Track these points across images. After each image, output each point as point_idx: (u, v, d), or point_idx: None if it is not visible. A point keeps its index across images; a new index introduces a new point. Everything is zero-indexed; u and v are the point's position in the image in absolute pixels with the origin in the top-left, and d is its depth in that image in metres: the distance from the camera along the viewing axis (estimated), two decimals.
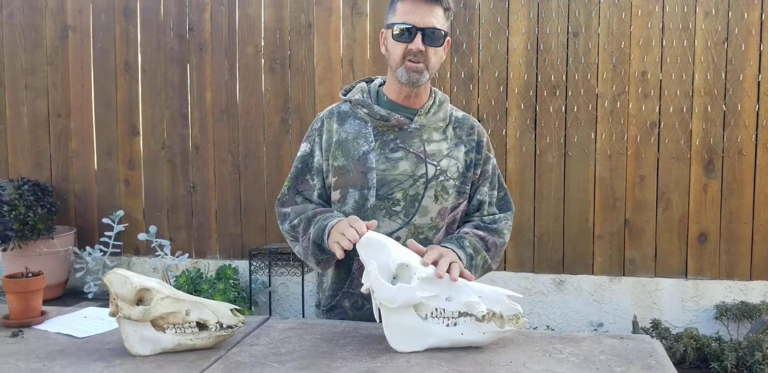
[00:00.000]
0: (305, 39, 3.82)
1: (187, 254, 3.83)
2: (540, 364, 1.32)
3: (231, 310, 1.43)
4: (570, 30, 3.56)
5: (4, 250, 3.76)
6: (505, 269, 3.70)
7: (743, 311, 3.37)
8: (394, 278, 1.41)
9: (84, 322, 1.62)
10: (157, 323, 1.38)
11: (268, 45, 3.87)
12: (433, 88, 1.78)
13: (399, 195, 1.66)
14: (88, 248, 3.91)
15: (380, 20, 3.67)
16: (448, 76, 3.67)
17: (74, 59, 4.08)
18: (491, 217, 1.76)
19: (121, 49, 4.02)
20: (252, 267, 3.81)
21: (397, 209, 1.66)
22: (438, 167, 1.68)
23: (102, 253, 3.90)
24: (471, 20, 3.65)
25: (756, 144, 3.46)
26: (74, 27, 4.07)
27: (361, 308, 1.70)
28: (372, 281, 1.37)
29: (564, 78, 3.58)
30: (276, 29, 3.85)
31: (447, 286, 1.41)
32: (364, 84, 1.79)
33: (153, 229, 3.81)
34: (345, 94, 1.78)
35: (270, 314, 3.86)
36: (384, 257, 1.39)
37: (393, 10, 1.65)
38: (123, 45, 4.02)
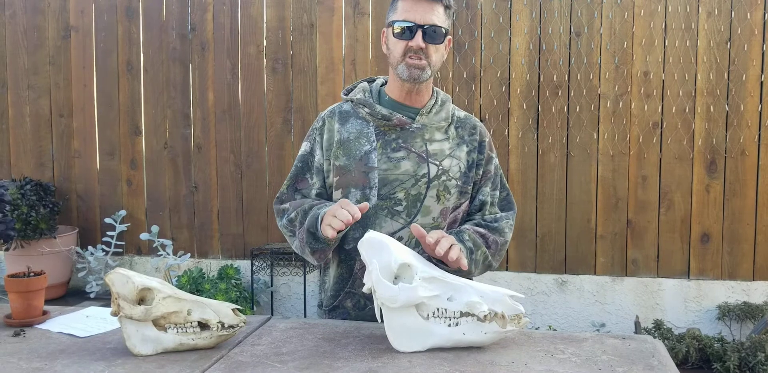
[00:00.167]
0: (307, 39, 3.82)
1: (189, 254, 3.84)
2: (542, 364, 1.32)
3: (232, 310, 1.43)
4: (572, 30, 3.56)
5: (7, 249, 3.76)
6: (507, 269, 3.70)
7: (746, 312, 3.37)
8: (395, 277, 1.41)
9: (85, 321, 1.62)
10: (158, 323, 1.38)
11: (270, 45, 3.87)
12: (435, 88, 1.78)
13: (401, 195, 1.66)
14: (90, 248, 3.91)
15: (382, 20, 3.67)
16: (451, 76, 3.67)
17: (76, 59, 4.08)
18: (493, 216, 1.75)
19: (123, 49, 4.03)
20: (254, 267, 3.81)
21: (399, 208, 1.65)
22: (440, 167, 1.68)
23: (104, 252, 3.91)
24: (473, 20, 3.64)
25: (759, 144, 3.45)
26: (76, 27, 4.07)
27: (364, 308, 1.70)
28: (373, 281, 1.37)
29: (566, 78, 3.57)
30: (278, 29, 3.85)
31: (449, 286, 1.41)
32: (365, 84, 1.79)
33: (155, 229, 3.81)
34: (347, 94, 1.78)
35: (272, 314, 3.86)
36: (386, 256, 1.39)
37: (394, 8, 1.66)
38: (125, 45, 4.02)
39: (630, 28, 3.51)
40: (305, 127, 3.82)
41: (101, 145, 4.09)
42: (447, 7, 1.65)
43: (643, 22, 3.50)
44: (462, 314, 1.39)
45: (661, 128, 3.52)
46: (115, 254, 4.00)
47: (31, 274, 1.62)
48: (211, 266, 3.95)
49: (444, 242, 1.46)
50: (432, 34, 1.62)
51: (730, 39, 3.44)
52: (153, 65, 3.99)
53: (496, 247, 1.71)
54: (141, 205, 4.07)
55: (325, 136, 1.73)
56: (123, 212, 3.96)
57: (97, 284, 3.87)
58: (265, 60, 3.88)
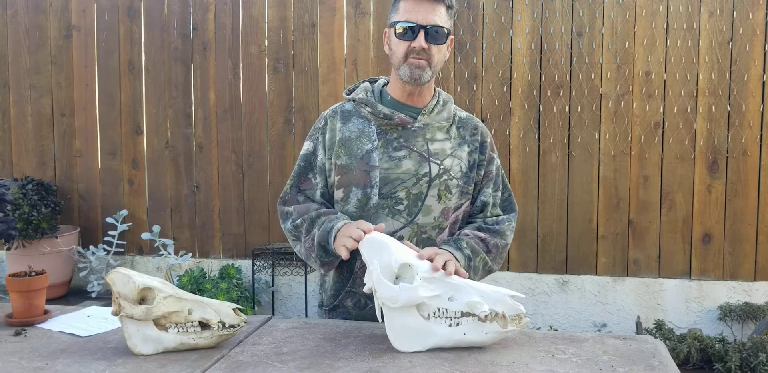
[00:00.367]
0: (309, 39, 3.82)
1: (190, 254, 3.84)
2: (542, 364, 1.32)
3: (233, 309, 1.43)
4: (574, 30, 3.55)
5: (8, 249, 3.77)
6: (508, 270, 3.69)
7: (747, 312, 3.37)
8: (396, 277, 1.41)
9: (87, 321, 1.62)
10: (159, 323, 1.38)
11: (272, 45, 3.87)
12: (437, 88, 1.78)
13: (402, 194, 1.66)
14: (91, 247, 3.91)
15: (384, 20, 3.67)
16: (452, 76, 3.67)
17: (78, 59, 4.09)
18: (494, 218, 1.75)
19: (125, 49, 4.03)
20: (255, 267, 3.81)
21: (400, 207, 1.65)
22: (441, 166, 1.68)
23: (105, 252, 3.91)
24: (474, 20, 3.64)
25: (760, 144, 3.45)
26: (78, 27, 4.08)
27: (364, 308, 1.70)
28: (374, 280, 1.37)
29: (568, 78, 3.57)
30: (279, 29, 3.85)
31: (449, 286, 1.40)
32: (367, 84, 1.79)
33: (156, 228, 3.81)
34: (349, 94, 1.78)
35: (273, 314, 3.86)
36: (386, 256, 1.39)
37: (396, 8, 1.66)
38: (127, 45, 4.03)
39: (632, 28, 3.51)
40: (306, 127, 3.82)
41: (103, 145, 4.10)
42: (449, 7, 1.65)
43: (644, 21, 3.50)
44: (463, 314, 1.39)
45: (663, 128, 3.52)
46: (116, 253, 4.01)
47: (33, 273, 1.62)
48: (213, 265, 3.95)
49: (438, 260, 1.44)
50: (434, 35, 1.62)
51: (731, 39, 3.43)
52: (154, 65, 4.00)
53: (497, 251, 1.71)
54: (142, 204, 4.07)
55: (327, 136, 1.73)
56: (124, 212, 3.96)
57: (98, 284, 3.87)
58: (266, 60, 3.88)
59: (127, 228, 3.95)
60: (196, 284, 3.58)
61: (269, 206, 3.90)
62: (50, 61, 4.12)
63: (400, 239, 1.62)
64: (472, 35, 3.65)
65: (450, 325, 1.39)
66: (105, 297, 3.85)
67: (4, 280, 1.68)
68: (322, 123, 1.76)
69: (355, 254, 1.60)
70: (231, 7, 3.89)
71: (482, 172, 1.75)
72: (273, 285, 3.88)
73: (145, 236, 3.75)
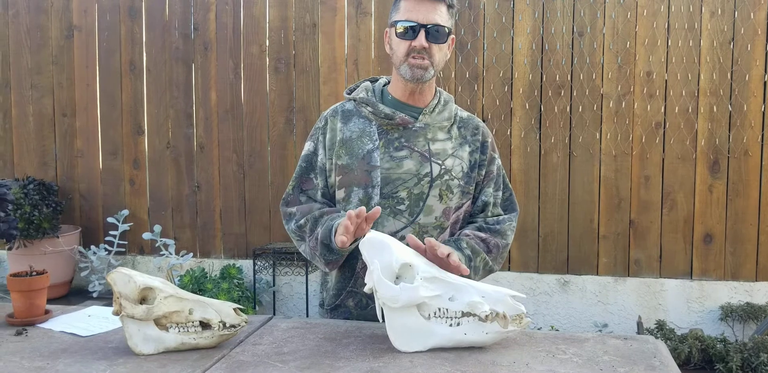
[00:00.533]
0: (310, 39, 3.82)
1: (191, 254, 3.84)
2: (543, 364, 1.32)
3: (234, 309, 1.43)
4: (575, 30, 3.55)
5: (10, 249, 3.77)
6: (509, 270, 3.69)
7: (749, 312, 3.36)
8: (397, 277, 1.41)
9: (88, 321, 1.62)
10: (160, 322, 1.39)
11: (273, 45, 3.87)
12: (438, 88, 1.78)
13: (403, 194, 1.65)
14: (92, 247, 3.92)
15: (385, 20, 3.67)
16: (453, 76, 3.67)
17: (79, 59, 4.09)
18: (495, 218, 1.75)
19: (126, 49, 4.03)
20: (256, 267, 3.81)
21: (402, 207, 1.65)
22: (443, 166, 1.68)
23: (107, 252, 3.92)
24: (476, 20, 3.64)
25: (762, 144, 3.44)
26: (79, 27, 4.08)
27: (366, 308, 1.70)
28: (375, 280, 1.37)
29: (569, 78, 3.57)
30: (281, 29, 3.85)
31: (450, 286, 1.40)
32: (368, 83, 1.79)
33: (158, 228, 3.81)
34: (349, 93, 1.78)
35: (274, 314, 3.86)
36: (387, 256, 1.39)
37: (397, 8, 1.66)
38: (128, 45, 4.03)
39: (633, 27, 3.51)
40: (308, 126, 3.82)
41: (104, 145, 4.10)
42: (450, 7, 1.65)
43: (645, 21, 3.49)
44: (463, 314, 1.39)
45: (664, 128, 3.51)
46: (117, 253, 4.01)
47: (34, 273, 1.62)
48: (214, 265, 3.96)
49: (443, 249, 1.45)
50: (435, 34, 1.62)
51: (733, 39, 3.43)
52: (156, 65, 4.00)
53: (498, 251, 1.71)
54: (144, 204, 4.08)
55: (327, 136, 1.73)
56: (126, 212, 3.96)
57: (99, 284, 3.87)
58: (267, 60, 3.88)
59: (128, 228, 3.96)
60: (197, 284, 3.58)
61: (270, 206, 3.90)
62: (51, 61, 4.13)
63: (402, 239, 1.62)
64: (474, 35, 3.65)
65: (451, 325, 1.39)
66: (106, 297, 3.85)
67: (5, 280, 1.68)
68: (323, 123, 1.76)
69: (356, 253, 1.60)
70: (232, 7, 3.89)
71: (483, 172, 1.75)
72: (274, 285, 3.88)
73: (147, 235, 3.76)
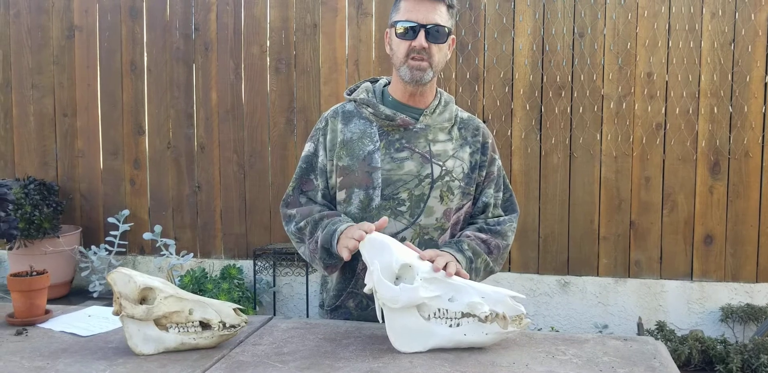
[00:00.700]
0: (310, 39, 3.83)
1: (191, 254, 3.84)
2: (543, 365, 1.32)
3: (234, 309, 1.43)
4: (576, 31, 3.55)
5: (10, 248, 3.77)
6: (509, 271, 3.69)
7: (749, 314, 3.36)
8: (396, 278, 1.41)
9: (88, 321, 1.62)
10: (160, 322, 1.39)
11: (274, 45, 3.87)
12: (439, 88, 1.78)
13: (404, 195, 1.65)
14: (93, 247, 3.92)
15: (385, 20, 3.67)
16: (454, 76, 3.67)
17: (80, 59, 4.09)
18: (495, 219, 1.75)
19: (127, 49, 4.04)
20: (256, 267, 3.81)
21: (403, 209, 1.65)
22: (443, 168, 1.68)
23: (107, 252, 3.92)
24: (476, 21, 3.64)
25: (762, 146, 3.44)
26: (80, 27, 4.09)
27: (366, 308, 1.70)
28: (375, 281, 1.37)
29: (569, 79, 3.57)
30: (281, 29, 3.86)
31: (450, 287, 1.40)
32: (368, 84, 1.78)
33: (158, 228, 3.82)
34: (350, 94, 1.77)
35: (274, 314, 3.86)
36: (387, 257, 1.39)
37: (397, 8, 1.66)
38: (129, 45, 4.03)
39: (633, 29, 3.51)
40: (308, 127, 3.82)
41: (105, 145, 4.10)
42: (450, 7, 1.65)
43: (646, 23, 3.49)
44: (463, 315, 1.39)
45: (665, 129, 3.51)
46: (118, 253, 4.01)
47: (34, 273, 1.62)
48: (214, 265, 3.96)
49: (439, 261, 1.44)
50: (435, 34, 1.61)
51: (734, 40, 3.43)
52: (156, 65, 4.00)
53: (498, 252, 1.71)
54: (144, 204, 4.08)
55: (328, 137, 1.73)
56: (126, 212, 3.97)
57: (100, 284, 3.88)
58: (268, 60, 3.88)
59: (128, 228, 3.96)
60: (197, 284, 3.58)
61: (271, 207, 3.90)
62: (52, 61, 4.13)
63: (403, 240, 1.62)
64: (474, 36, 3.65)
65: (450, 325, 1.39)
66: (107, 297, 3.85)
67: (5, 280, 1.68)
68: (323, 124, 1.76)
69: (357, 255, 1.60)
70: (233, 7, 3.89)
71: (484, 173, 1.75)
72: (274, 285, 3.88)
73: (147, 236, 3.76)
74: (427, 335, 1.39)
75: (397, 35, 1.63)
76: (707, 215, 3.51)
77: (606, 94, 3.55)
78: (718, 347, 3.16)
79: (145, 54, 4.02)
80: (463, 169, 1.70)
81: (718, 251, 3.51)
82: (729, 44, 3.44)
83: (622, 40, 3.52)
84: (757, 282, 3.48)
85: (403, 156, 1.66)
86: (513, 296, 1.42)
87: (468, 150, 1.73)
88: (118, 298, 1.37)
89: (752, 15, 3.40)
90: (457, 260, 1.56)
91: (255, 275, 3.80)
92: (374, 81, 1.81)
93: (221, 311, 1.42)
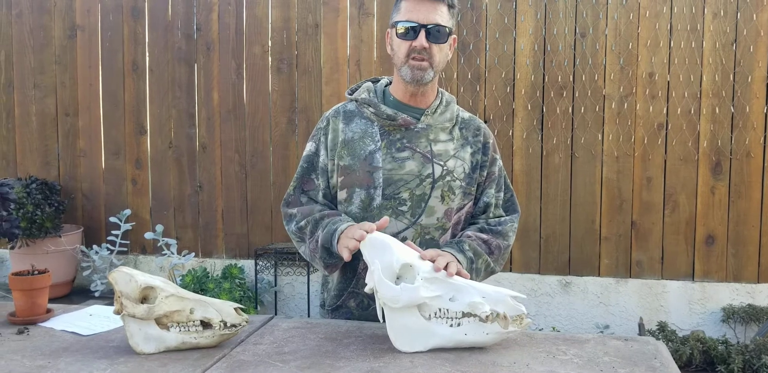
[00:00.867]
0: (312, 39, 3.83)
1: (193, 253, 3.84)
2: (543, 365, 1.32)
3: (235, 309, 1.44)
4: (577, 31, 3.55)
5: (12, 248, 3.78)
6: (511, 271, 3.69)
7: (750, 314, 3.36)
8: (397, 278, 1.41)
9: (89, 320, 1.62)
10: (161, 322, 1.39)
11: (275, 45, 3.87)
12: (440, 88, 1.78)
13: (405, 195, 1.66)
14: (95, 247, 3.92)
15: (387, 20, 3.66)
16: (455, 76, 3.67)
17: (82, 59, 4.10)
18: (497, 219, 1.75)
19: (129, 49, 4.04)
20: (258, 267, 3.82)
21: (404, 208, 1.65)
22: (445, 167, 1.68)
23: (109, 251, 3.92)
24: (478, 21, 3.64)
25: (764, 146, 3.44)
26: (82, 27, 4.09)
27: (367, 308, 1.70)
28: (375, 281, 1.38)
29: (571, 79, 3.57)
30: (283, 29, 3.86)
31: (451, 286, 1.41)
32: (370, 84, 1.78)
33: (160, 228, 3.82)
34: (351, 94, 1.78)
35: (275, 314, 3.86)
36: (387, 257, 1.40)
37: (397, 8, 1.66)
38: (131, 45, 4.04)
39: (635, 29, 3.51)
40: (310, 127, 3.82)
41: (106, 145, 4.11)
42: (450, 7, 1.65)
43: (648, 23, 3.49)
44: (464, 315, 1.39)
45: (666, 130, 3.51)
46: (119, 253, 4.02)
47: (36, 272, 1.62)
48: (215, 265, 3.96)
49: (440, 261, 1.44)
50: (435, 34, 1.62)
51: (735, 40, 3.43)
52: (158, 65, 4.01)
53: (499, 252, 1.71)
54: (146, 204, 4.08)
55: (329, 136, 1.73)
56: (128, 211, 3.97)
57: (101, 283, 3.88)
58: (270, 60, 3.88)
59: (130, 228, 3.96)
60: (199, 283, 3.58)
61: (272, 206, 3.90)
62: (54, 60, 4.14)
63: (404, 240, 1.63)
64: (476, 36, 3.65)
65: (451, 325, 1.39)
66: (108, 296, 3.86)
67: (7, 279, 1.68)
68: (324, 123, 1.76)
69: (358, 255, 1.60)
70: (234, 7, 3.90)
71: (485, 173, 1.75)
72: (276, 285, 3.88)
73: (149, 235, 3.76)
74: (428, 334, 1.39)
75: (398, 35, 1.64)
76: (709, 216, 3.51)
77: (607, 94, 3.55)
78: (720, 347, 3.16)
79: (147, 54, 4.02)
80: (464, 169, 1.70)
81: (720, 252, 3.51)
82: (731, 44, 3.43)
83: (623, 40, 3.52)
84: (758, 283, 3.48)
85: (404, 156, 1.67)
86: (514, 296, 1.42)
87: (469, 150, 1.73)
88: (119, 297, 1.37)
89: (754, 15, 3.40)
90: (458, 260, 1.56)
91: (256, 274, 3.80)
92: (376, 81, 1.81)
93: (222, 310, 1.42)
